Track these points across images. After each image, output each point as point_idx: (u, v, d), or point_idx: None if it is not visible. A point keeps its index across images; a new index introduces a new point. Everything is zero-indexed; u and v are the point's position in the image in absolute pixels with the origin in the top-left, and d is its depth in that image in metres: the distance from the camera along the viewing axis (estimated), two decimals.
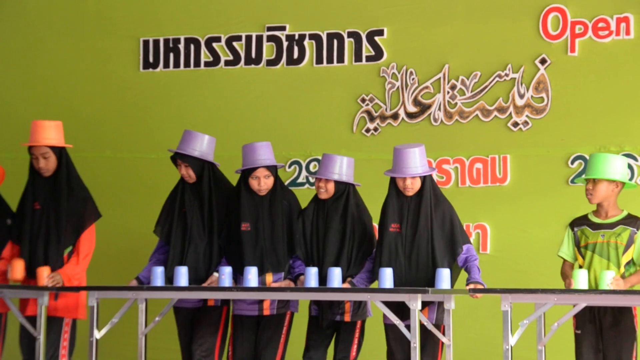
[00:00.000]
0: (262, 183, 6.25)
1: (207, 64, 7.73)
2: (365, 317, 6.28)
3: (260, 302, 6.23)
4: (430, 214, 6.03)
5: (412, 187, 6.00)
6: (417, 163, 5.97)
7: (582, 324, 5.81)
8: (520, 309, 5.74)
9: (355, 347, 6.25)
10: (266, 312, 6.24)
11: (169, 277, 6.21)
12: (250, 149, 6.30)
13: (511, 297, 5.58)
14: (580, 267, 5.81)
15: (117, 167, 7.81)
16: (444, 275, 5.84)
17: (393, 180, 6.09)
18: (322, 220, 6.26)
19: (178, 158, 6.39)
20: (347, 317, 6.15)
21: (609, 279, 5.59)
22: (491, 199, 7.07)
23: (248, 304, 6.24)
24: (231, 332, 6.36)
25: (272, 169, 6.29)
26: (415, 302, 5.54)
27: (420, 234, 6.03)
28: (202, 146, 6.38)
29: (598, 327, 5.78)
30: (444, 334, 5.94)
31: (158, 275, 6.13)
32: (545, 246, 6.81)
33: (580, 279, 5.61)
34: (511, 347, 5.54)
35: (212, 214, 6.37)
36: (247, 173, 6.28)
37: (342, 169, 6.21)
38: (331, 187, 6.20)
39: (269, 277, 6.24)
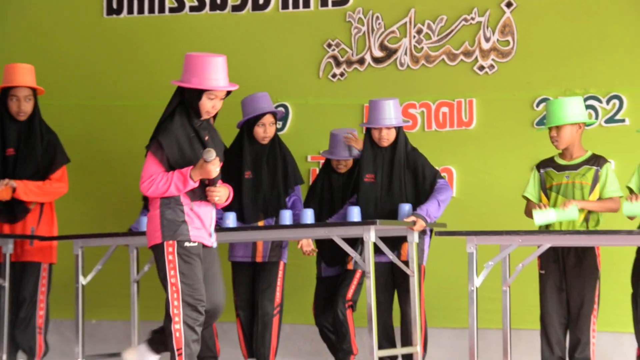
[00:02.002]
0: (268, 130, 6.46)
1: (171, 10, 7.64)
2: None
3: (254, 249, 6.43)
4: (404, 164, 6.22)
5: (387, 137, 6.21)
6: (392, 114, 6.19)
7: (546, 264, 5.88)
8: (486, 251, 5.81)
9: (352, 289, 6.41)
10: (259, 259, 6.46)
11: None
12: (252, 99, 6.51)
13: (476, 239, 5.66)
14: None
15: (82, 115, 7.73)
16: (405, 209, 6.05)
17: (368, 132, 6.29)
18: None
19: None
20: (350, 266, 6.37)
21: (573, 210, 5.68)
22: (457, 142, 7.07)
23: (241, 251, 6.45)
24: (232, 277, 6.58)
25: (275, 117, 6.54)
26: (368, 235, 5.74)
27: (394, 184, 6.21)
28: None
29: (562, 267, 5.86)
30: (423, 273, 6.12)
31: (144, 224, 6.16)
32: (510, 188, 6.84)
33: (549, 217, 5.69)
34: (476, 288, 5.62)
35: None
36: (251, 122, 6.46)
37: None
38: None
39: (262, 223, 6.43)
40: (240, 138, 6.60)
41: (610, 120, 6.76)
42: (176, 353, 4.87)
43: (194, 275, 4.88)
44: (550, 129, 5.87)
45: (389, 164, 6.25)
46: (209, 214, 5.00)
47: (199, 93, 4.95)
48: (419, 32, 7.24)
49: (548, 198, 5.90)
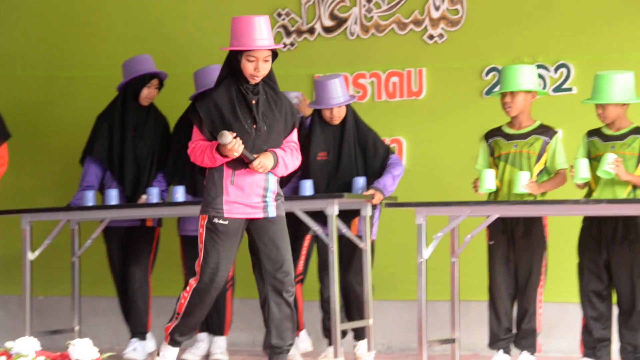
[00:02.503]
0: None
1: None
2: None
3: None
4: (355, 141, 6.28)
5: (338, 115, 6.26)
6: (339, 93, 6.21)
7: (494, 234, 5.92)
8: (435, 222, 5.83)
9: (302, 262, 6.47)
10: None
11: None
12: (204, 72, 6.46)
13: (425, 210, 5.69)
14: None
15: (29, 85, 7.67)
16: (359, 183, 6.09)
17: (317, 111, 6.31)
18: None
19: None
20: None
21: (524, 179, 5.72)
22: (407, 112, 7.06)
23: (193, 225, 6.43)
24: (181, 252, 6.63)
25: None
26: (331, 208, 5.77)
27: (344, 160, 6.24)
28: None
29: (510, 237, 5.90)
30: (372, 248, 6.17)
31: (90, 198, 6.31)
32: (460, 158, 6.86)
33: (487, 178, 5.70)
34: (425, 259, 5.65)
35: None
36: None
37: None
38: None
39: None
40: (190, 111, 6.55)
41: (558, 89, 6.77)
42: (174, 317, 5.13)
43: (214, 252, 4.98)
44: (503, 94, 5.88)
45: (339, 141, 6.27)
46: (258, 184, 4.94)
47: (238, 55, 4.93)
48: (369, 1, 7.20)
49: (497, 167, 5.93)
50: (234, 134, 4.81)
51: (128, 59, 6.63)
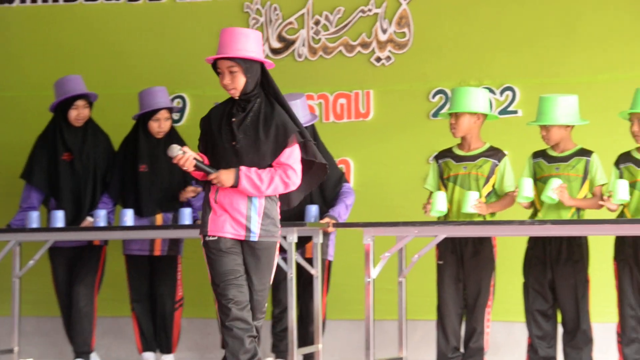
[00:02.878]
0: (163, 125, 6.48)
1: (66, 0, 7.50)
2: None
3: (151, 242, 6.43)
4: None
5: None
6: (300, 113, 6.02)
7: (443, 254, 5.94)
8: (383, 242, 5.84)
9: None
10: (157, 252, 6.47)
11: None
12: (148, 93, 6.51)
13: (373, 231, 5.71)
14: None
15: None
16: (312, 211, 6.04)
17: None
18: None
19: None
20: None
21: (472, 199, 5.75)
22: (355, 134, 7.08)
23: (138, 244, 6.43)
24: (126, 271, 6.56)
25: (170, 112, 6.58)
26: (291, 236, 5.76)
27: None
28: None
29: (459, 257, 5.92)
30: (329, 269, 6.17)
31: (34, 219, 6.25)
32: (407, 180, 6.90)
33: (438, 200, 5.72)
34: (373, 279, 5.66)
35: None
36: (147, 116, 6.47)
37: None
38: None
39: (159, 217, 6.44)
40: (136, 130, 6.59)
41: (504, 111, 6.84)
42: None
43: (214, 269, 4.63)
44: (450, 115, 5.92)
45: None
46: (241, 203, 4.63)
47: (215, 69, 4.70)
48: (317, 23, 7.22)
49: (446, 188, 5.95)
50: (183, 148, 4.63)
51: (58, 79, 6.58)
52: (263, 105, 4.68)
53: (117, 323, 7.06)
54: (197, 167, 4.65)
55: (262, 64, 4.67)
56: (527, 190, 5.67)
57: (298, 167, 4.67)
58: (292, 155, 4.66)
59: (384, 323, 6.15)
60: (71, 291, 6.51)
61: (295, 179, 4.66)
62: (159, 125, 6.48)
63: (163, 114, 6.50)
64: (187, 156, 4.62)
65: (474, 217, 5.83)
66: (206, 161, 4.69)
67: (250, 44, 4.65)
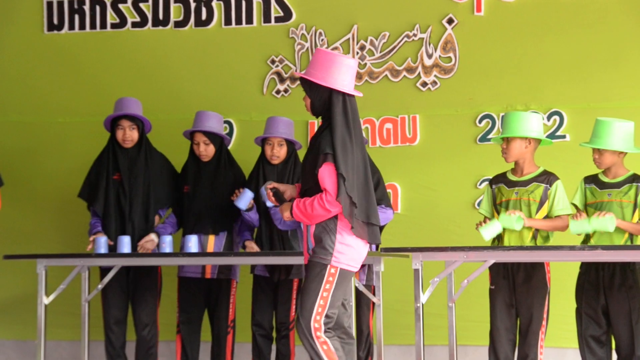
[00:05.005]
0: (202, 148, 6.52)
1: (113, 26, 7.57)
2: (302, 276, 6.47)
3: (203, 265, 6.49)
4: None
5: None
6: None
7: (496, 279, 5.87)
8: (431, 267, 5.82)
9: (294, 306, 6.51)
10: (207, 275, 6.49)
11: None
12: (199, 114, 6.58)
13: (421, 256, 5.64)
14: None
15: (23, 131, 7.62)
16: None
17: None
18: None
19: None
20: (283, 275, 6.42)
21: (513, 215, 5.66)
22: (401, 158, 7.09)
23: (192, 267, 6.50)
24: (178, 293, 6.59)
25: (211, 137, 6.55)
26: (378, 265, 5.78)
27: None
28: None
29: (511, 282, 5.84)
30: (374, 294, 6.09)
31: (102, 244, 6.31)
32: (454, 204, 6.91)
33: (494, 229, 5.68)
34: (422, 304, 5.60)
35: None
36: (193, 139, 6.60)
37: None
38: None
39: (211, 239, 6.47)
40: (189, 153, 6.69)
41: (552, 136, 6.81)
42: None
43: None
44: (502, 139, 5.87)
45: None
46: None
47: None
48: (362, 48, 7.24)
49: (498, 213, 5.88)
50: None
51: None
52: None
53: (169, 347, 7.06)
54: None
55: None
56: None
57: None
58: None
59: (434, 348, 6.15)
60: (133, 316, 6.55)
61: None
62: (198, 149, 6.53)
63: (200, 137, 6.51)
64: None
65: (527, 242, 5.77)
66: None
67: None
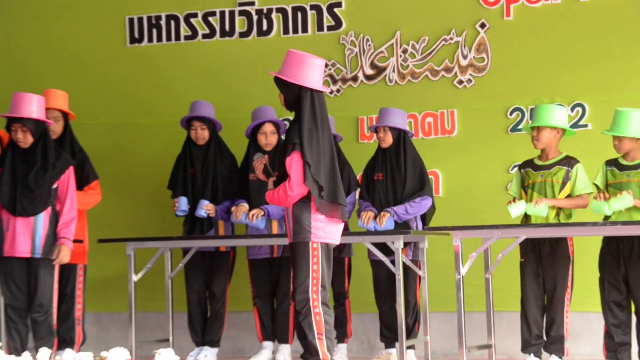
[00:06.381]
0: (269, 138, 6.53)
1: (186, 38, 7.63)
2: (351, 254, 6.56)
3: (271, 247, 6.50)
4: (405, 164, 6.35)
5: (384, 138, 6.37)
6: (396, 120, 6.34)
7: (525, 253, 5.92)
8: (470, 243, 5.83)
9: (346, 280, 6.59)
10: (275, 254, 6.50)
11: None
12: (256, 110, 6.63)
13: (461, 234, 5.68)
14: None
15: (112, 131, 7.72)
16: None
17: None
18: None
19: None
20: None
21: (541, 208, 5.71)
22: (441, 148, 7.08)
23: (262, 250, 6.50)
24: (249, 273, 6.62)
25: (277, 127, 6.62)
26: (398, 242, 5.81)
27: (397, 183, 6.31)
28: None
29: (538, 255, 5.89)
30: (419, 268, 6.14)
31: (183, 203, 6.50)
32: (489, 187, 6.88)
33: (520, 208, 5.73)
34: (462, 276, 5.64)
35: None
36: (255, 131, 6.58)
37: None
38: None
39: (275, 223, 6.49)
40: (248, 146, 6.70)
41: (575, 125, 6.76)
42: None
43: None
44: (532, 128, 5.90)
45: (396, 164, 6.33)
46: None
47: None
48: (405, 51, 7.24)
49: (526, 194, 5.95)
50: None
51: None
52: None
53: (241, 317, 7.17)
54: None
55: None
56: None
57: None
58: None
59: (473, 315, 6.12)
60: (205, 291, 6.66)
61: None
62: (266, 138, 6.55)
63: (268, 127, 6.56)
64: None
65: (551, 219, 5.80)
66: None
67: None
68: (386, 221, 6.10)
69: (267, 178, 4.90)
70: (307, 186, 4.70)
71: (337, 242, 4.87)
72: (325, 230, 4.76)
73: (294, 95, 4.84)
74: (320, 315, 4.70)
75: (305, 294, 4.70)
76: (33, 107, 5.83)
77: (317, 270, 4.72)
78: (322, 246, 4.75)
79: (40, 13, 7.90)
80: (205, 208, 6.48)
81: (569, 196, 5.87)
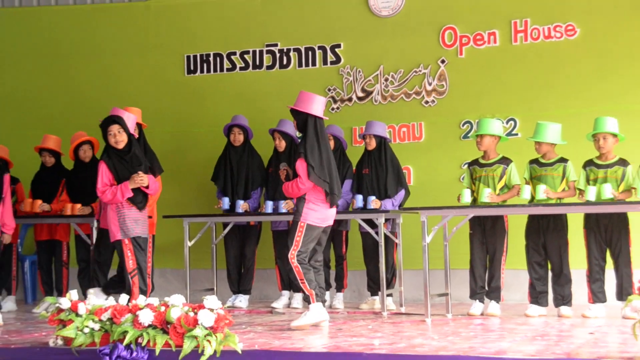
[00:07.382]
0: (280, 143, 6.52)
1: (227, 70, 7.62)
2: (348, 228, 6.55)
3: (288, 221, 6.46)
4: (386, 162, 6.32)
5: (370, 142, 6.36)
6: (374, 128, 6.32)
7: (473, 226, 5.93)
8: (434, 219, 5.84)
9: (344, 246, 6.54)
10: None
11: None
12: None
13: (426, 212, 5.68)
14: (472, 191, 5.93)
15: (173, 136, 7.71)
16: (360, 200, 6.15)
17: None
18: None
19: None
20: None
21: (486, 194, 5.72)
22: (412, 150, 7.08)
23: (281, 224, 6.52)
24: (272, 240, 6.61)
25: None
26: (381, 219, 5.87)
27: (380, 176, 6.28)
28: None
29: (483, 228, 5.90)
30: (396, 237, 6.18)
31: (226, 202, 6.44)
32: (447, 180, 6.89)
33: (465, 195, 5.76)
34: (427, 244, 5.62)
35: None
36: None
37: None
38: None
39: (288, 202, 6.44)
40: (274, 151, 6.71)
41: (509, 134, 6.79)
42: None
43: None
44: (477, 136, 5.91)
45: (379, 162, 6.33)
46: None
47: None
48: (386, 80, 7.23)
49: (474, 185, 5.96)
50: None
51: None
52: None
53: (266, 273, 7.22)
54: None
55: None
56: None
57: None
58: None
59: (435, 271, 6.04)
60: (240, 254, 6.65)
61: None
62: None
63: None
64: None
65: (492, 204, 5.80)
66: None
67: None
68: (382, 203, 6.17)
69: (287, 180, 5.23)
70: (311, 181, 4.95)
71: (323, 225, 5.07)
72: (313, 216, 5.02)
73: (303, 121, 5.10)
74: (298, 268, 4.98)
75: (289, 251, 5.04)
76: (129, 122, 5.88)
77: (299, 241, 5.00)
78: (307, 226, 5.00)
79: (118, 51, 7.86)
80: (242, 207, 6.50)
81: (505, 187, 5.85)
